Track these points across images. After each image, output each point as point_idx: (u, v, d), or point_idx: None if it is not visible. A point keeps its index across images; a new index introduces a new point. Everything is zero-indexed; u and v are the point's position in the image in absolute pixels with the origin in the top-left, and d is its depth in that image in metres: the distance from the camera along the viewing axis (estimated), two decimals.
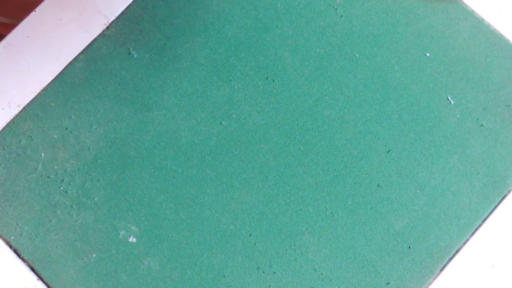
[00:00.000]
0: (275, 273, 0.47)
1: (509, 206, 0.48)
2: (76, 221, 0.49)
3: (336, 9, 0.53)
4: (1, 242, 0.49)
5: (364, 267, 0.47)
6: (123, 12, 0.54)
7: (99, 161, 0.51)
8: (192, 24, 0.53)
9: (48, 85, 0.53)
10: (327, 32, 0.52)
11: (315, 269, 0.47)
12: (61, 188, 0.50)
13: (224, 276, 0.47)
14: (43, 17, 0.55)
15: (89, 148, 0.51)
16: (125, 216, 0.49)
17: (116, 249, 0.48)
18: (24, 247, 0.48)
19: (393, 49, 0.51)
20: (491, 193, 0.48)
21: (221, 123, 0.51)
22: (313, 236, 0.48)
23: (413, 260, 0.47)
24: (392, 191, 0.48)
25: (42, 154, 0.51)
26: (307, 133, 0.50)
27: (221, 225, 0.48)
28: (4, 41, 0.55)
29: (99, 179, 0.50)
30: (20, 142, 0.52)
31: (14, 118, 0.52)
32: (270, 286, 0.47)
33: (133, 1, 0.54)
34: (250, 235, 0.48)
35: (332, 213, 0.48)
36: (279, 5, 0.53)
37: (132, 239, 0.48)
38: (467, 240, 0.47)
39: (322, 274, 0.46)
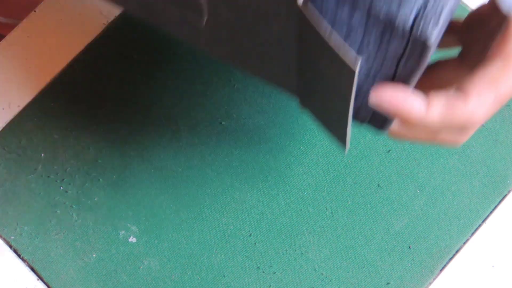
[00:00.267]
0: (275, 273, 0.47)
1: (509, 206, 0.48)
2: (76, 221, 0.49)
3: None
4: (1, 242, 0.49)
5: (364, 267, 0.47)
6: (123, 12, 0.54)
7: (99, 161, 0.51)
8: None
9: (48, 85, 0.53)
10: None
11: (315, 269, 0.47)
12: (61, 188, 0.50)
13: (224, 276, 0.47)
14: (43, 17, 0.55)
15: (89, 148, 0.51)
16: (125, 216, 0.49)
17: (116, 249, 0.48)
18: (24, 247, 0.48)
19: None
20: (491, 193, 0.48)
21: (221, 123, 0.51)
22: (313, 236, 0.48)
23: (413, 260, 0.47)
24: (392, 191, 0.48)
25: (42, 154, 0.51)
26: (307, 133, 0.50)
27: (221, 225, 0.48)
28: (4, 41, 0.55)
29: (99, 179, 0.50)
30: (20, 142, 0.52)
31: (14, 118, 0.52)
32: (270, 286, 0.47)
33: None
34: (250, 235, 0.48)
35: (332, 213, 0.48)
36: None
37: (132, 239, 0.48)
38: (467, 240, 0.47)
39: (322, 274, 0.46)
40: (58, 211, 0.49)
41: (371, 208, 0.48)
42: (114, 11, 0.55)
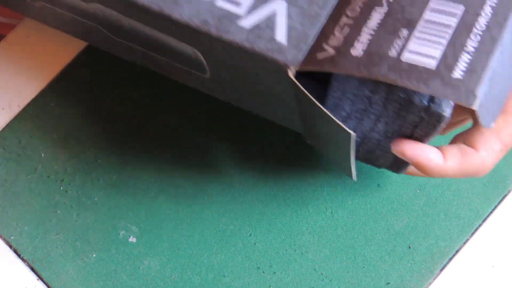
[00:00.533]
0: (275, 273, 0.47)
1: (509, 206, 0.48)
2: (76, 221, 0.49)
3: None
4: (1, 242, 0.49)
5: (364, 267, 0.47)
6: None
7: (99, 161, 0.51)
8: None
9: (48, 85, 0.53)
10: None
11: (315, 269, 0.47)
12: (61, 188, 0.50)
13: (224, 276, 0.47)
14: None
15: (89, 148, 0.51)
16: (125, 216, 0.49)
17: (116, 249, 0.48)
18: (24, 247, 0.48)
19: None
20: (491, 193, 0.48)
21: (221, 123, 0.51)
22: (313, 236, 0.48)
23: (413, 260, 0.47)
24: (392, 191, 0.48)
25: (42, 154, 0.51)
26: None
27: (221, 225, 0.48)
28: (4, 41, 0.55)
29: (99, 179, 0.50)
30: (20, 142, 0.52)
31: (14, 118, 0.52)
32: (270, 286, 0.47)
33: None
34: (250, 235, 0.48)
35: (332, 213, 0.48)
36: None
37: (132, 239, 0.48)
38: (467, 240, 0.47)
39: (322, 274, 0.46)
40: (58, 211, 0.49)
41: (371, 208, 0.48)
42: None
